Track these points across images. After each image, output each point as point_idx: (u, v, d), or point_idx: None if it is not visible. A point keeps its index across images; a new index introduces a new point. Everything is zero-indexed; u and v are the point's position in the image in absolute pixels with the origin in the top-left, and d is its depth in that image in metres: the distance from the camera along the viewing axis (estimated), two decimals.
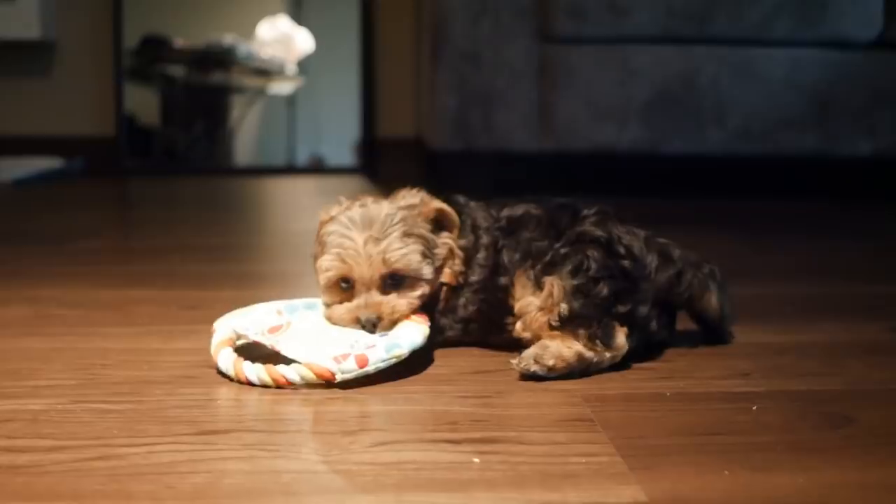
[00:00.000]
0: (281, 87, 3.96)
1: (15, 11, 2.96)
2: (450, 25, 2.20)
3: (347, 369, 0.75)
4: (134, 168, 3.19)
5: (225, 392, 0.75)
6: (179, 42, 3.69)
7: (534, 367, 0.78)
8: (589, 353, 0.79)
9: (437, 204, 0.87)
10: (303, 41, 3.91)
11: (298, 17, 3.84)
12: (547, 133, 2.23)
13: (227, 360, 0.78)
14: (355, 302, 0.83)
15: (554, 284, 0.81)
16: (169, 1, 3.62)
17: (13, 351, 0.87)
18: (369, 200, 0.87)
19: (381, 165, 3.07)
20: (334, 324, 0.84)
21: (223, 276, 1.28)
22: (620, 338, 0.81)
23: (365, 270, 0.83)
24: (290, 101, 3.89)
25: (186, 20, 3.77)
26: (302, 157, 3.82)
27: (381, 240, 0.83)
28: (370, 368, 0.75)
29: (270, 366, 0.76)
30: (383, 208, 0.85)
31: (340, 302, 0.85)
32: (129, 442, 0.64)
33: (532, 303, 0.82)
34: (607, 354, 0.80)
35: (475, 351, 0.88)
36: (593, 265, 0.81)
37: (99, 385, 0.77)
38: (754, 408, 0.71)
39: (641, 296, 0.83)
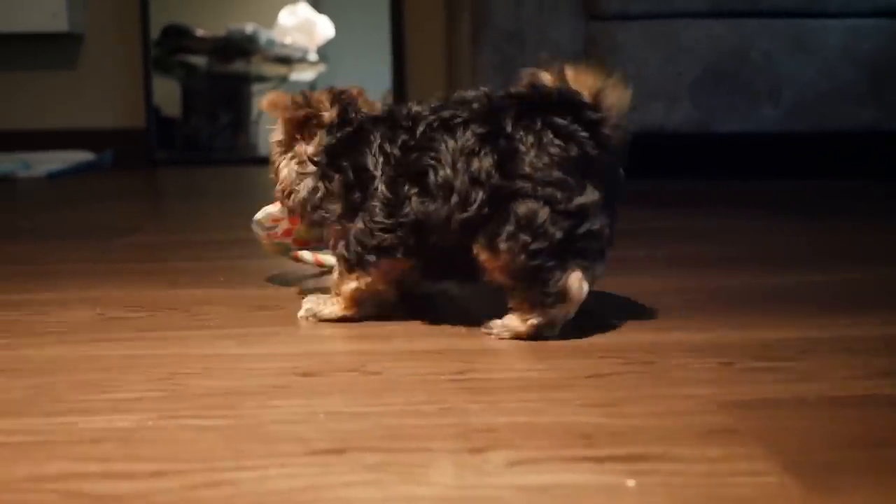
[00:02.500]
0: (303, 75, 3.89)
1: (42, 3, 2.91)
2: (492, 5, 2.13)
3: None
4: (163, 159, 3.14)
5: (326, 404, 0.69)
6: (200, 31, 3.63)
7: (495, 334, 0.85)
8: (544, 321, 0.82)
9: None
10: (324, 27, 3.84)
11: (317, 3, 3.77)
12: None
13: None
14: None
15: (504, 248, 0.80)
16: None
17: (85, 360, 0.82)
18: None
19: None
20: None
21: (284, 272, 1.21)
22: (574, 287, 0.81)
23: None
24: (312, 87, 3.83)
25: (207, 9, 3.72)
26: None
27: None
28: None
29: None
30: None
31: None
32: (236, 465, 0.57)
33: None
34: (561, 312, 0.82)
35: (579, 350, 0.81)
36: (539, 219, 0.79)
37: (186, 397, 0.71)
38: None
39: (586, 219, 0.81)
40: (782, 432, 0.62)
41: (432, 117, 0.84)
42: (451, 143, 0.82)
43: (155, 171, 2.98)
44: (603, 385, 0.72)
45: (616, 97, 0.84)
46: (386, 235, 0.84)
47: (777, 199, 1.93)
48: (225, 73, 3.77)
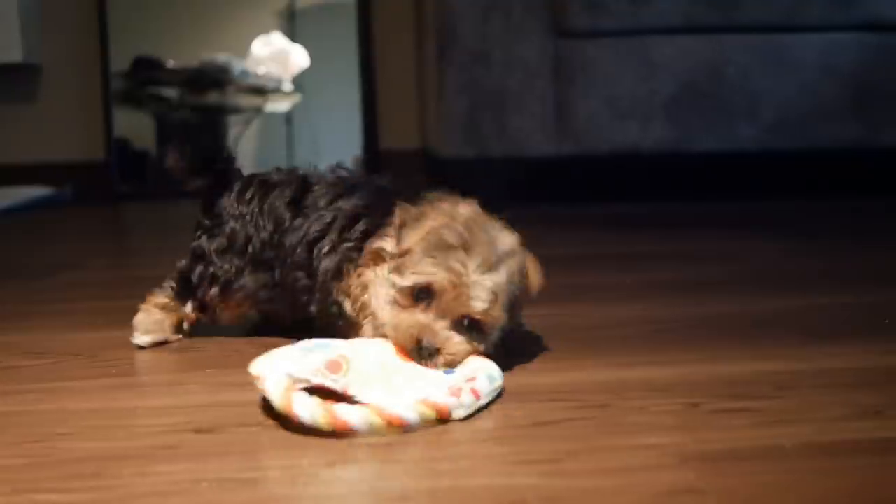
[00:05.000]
0: (278, 105, 3.80)
1: None
2: (457, 24, 2.04)
3: (466, 404, 0.64)
4: (126, 193, 3.03)
5: (214, 468, 0.58)
6: (172, 63, 3.54)
7: None
8: None
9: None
10: (298, 57, 3.76)
11: (292, 33, 3.70)
12: (565, 135, 2.07)
13: (308, 405, 0.60)
14: (424, 319, 0.70)
15: None
16: (159, 21, 3.47)
17: None
18: (481, 223, 0.73)
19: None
20: (388, 328, 0.72)
21: None
22: None
23: (459, 299, 0.70)
24: (288, 118, 3.75)
25: (178, 40, 3.63)
26: None
27: (496, 285, 0.71)
28: (483, 401, 0.66)
29: (378, 407, 0.61)
30: (506, 248, 0.73)
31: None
32: None
33: None
34: None
35: (526, 391, 0.70)
36: None
37: (54, 464, 0.60)
38: None
39: None
40: (753, 492, 0.51)
41: None
42: None
43: (117, 205, 2.87)
44: (548, 435, 0.62)
45: None
46: None
47: (758, 219, 1.84)
48: (199, 104, 3.68)
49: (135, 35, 3.29)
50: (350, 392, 0.64)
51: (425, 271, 0.70)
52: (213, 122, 3.71)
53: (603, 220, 1.84)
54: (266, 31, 3.76)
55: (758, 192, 2.13)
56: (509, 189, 2.07)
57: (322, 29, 3.65)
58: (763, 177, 2.17)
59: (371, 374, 0.66)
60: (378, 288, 0.74)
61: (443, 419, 0.63)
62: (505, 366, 0.72)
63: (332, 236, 0.82)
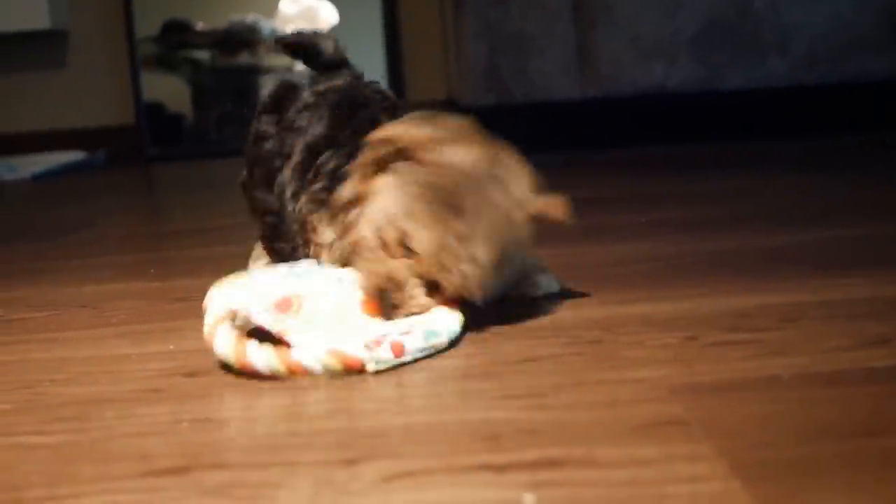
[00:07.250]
0: None
1: (22, 1, 2.81)
2: None
3: (382, 358, 0.60)
4: (158, 155, 3.04)
5: (195, 409, 0.57)
6: (201, 25, 3.54)
7: None
8: None
9: None
10: (327, 13, 3.72)
11: None
12: (588, 78, 2.02)
13: (225, 338, 0.60)
14: (396, 271, 0.65)
15: None
16: None
17: None
18: (479, 171, 0.66)
19: None
20: (360, 268, 0.67)
21: (224, 259, 1.10)
22: None
23: (438, 267, 0.64)
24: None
25: (204, 2, 3.63)
26: None
27: (477, 262, 0.64)
28: (406, 357, 0.61)
29: (284, 349, 0.60)
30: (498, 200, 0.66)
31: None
32: (49, 493, 0.46)
33: None
34: None
35: (522, 330, 0.69)
36: None
37: (39, 408, 0.60)
38: None
39: None
40: (741, 422, 0.49)
41: None
42: None
43: (148, 167, 2.89)
44: (534, 371, 0.60)
45: None
46: None
47: (785, 156, 1.78)
48: (231, 66, 3.68)
49: None
50: (286, 337, 0.61)
51: (414, 229, 0.64)
52: (246, 84, 3.71)
53: (626, 163, 1.80)
54: None
55: (788, 130, 2.06)
56: (532, 136, 2.02)
57: None
58: (794, 113, 2.10)
59: (319, 318, 0.63)
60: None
61: (352, 371, 0.59)
62: (498, 304, 0.70)
63: (294, 178, 0.76)
